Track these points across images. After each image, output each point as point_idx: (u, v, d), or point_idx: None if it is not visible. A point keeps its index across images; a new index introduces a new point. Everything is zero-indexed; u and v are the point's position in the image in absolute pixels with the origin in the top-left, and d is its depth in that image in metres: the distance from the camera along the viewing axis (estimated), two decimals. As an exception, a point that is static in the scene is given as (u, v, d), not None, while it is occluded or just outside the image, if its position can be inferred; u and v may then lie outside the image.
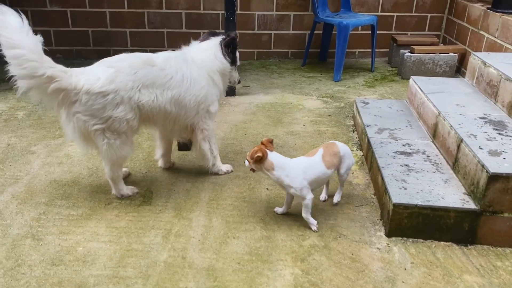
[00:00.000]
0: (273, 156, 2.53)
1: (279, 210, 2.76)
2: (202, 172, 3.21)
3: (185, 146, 3.49)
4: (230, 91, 4.73)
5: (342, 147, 2.74)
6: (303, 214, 2.60)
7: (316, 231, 2.58)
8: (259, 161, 2.48)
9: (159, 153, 3.24)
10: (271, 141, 2.59)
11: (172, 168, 3.27)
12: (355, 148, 3.62)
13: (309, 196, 2.55)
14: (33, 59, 2.34)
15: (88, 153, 3.41)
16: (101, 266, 2.27)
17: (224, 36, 3.09)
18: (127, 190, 2.88)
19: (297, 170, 2.53)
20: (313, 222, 2.61)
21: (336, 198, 2.87)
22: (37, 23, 5.72)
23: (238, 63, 3.18)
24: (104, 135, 2.59)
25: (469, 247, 2.49)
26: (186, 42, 3.14)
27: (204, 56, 2.99)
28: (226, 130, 3.92)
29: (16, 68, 2.34)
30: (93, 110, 2.51)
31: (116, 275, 2.22)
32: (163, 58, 2.83)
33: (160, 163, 3.27)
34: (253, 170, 2.58)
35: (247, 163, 2.55)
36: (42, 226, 2.58)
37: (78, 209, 2.75)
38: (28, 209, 2.74)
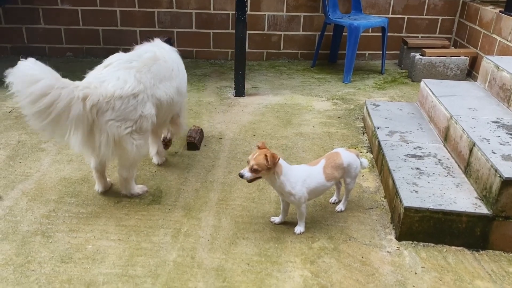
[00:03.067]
0: (280, 163, 2.47)
1: (276, 219, 2.67)
2: (211, 172, 3.21)
3: (194, 145, 3.48)
4: (240, 92, 4.73)
5: (347, 158, 2.65)
6: (299, 218, 2.60)
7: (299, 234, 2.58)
8: (275, 164, 2.38)
9: (153, 151, 3.27)
10: (264, 143, 2.51)
11: (181, 168, 3.26)
12: (365, 151, 3.60)
13: (304, 205, 2.55)
14: (63, 85, 2.32)
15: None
16: (110, 265, 2.27)
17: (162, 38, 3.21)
18: (138, 189, 2.88)
19: (297, 177, 2.48)
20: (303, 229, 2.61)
21: (340, 207, 2.80)
22: (48, 21, 5.76)
23: None
24: (132, 137, 2.60)
25: (481, 252, 2.46)
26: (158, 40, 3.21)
27: (168, 48, 3.09)
28: (235, 131, 3.91)
29: (47, 104, 2.25)
30: (126, 113, 2.52)
31: (125, 274, 2.21)
32: (159, 52, 2.91)
33: (155, 159, 3.29)
34: (252, 180, 2.43)
35: (247, 174, 2.37)
36: (52, 223, 2.58)
37: (88, 207, 2.75)
38: (38, 206, 2.75)
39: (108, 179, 2.95)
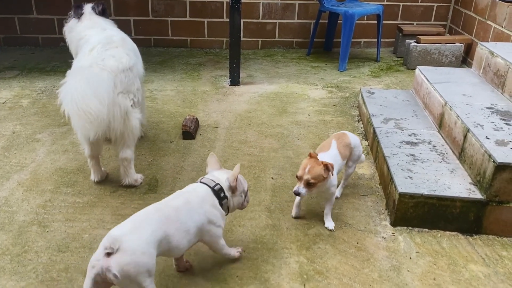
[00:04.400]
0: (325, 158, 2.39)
1: (295, 212, 2.62)
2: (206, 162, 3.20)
3: (189, 134, 3.48)
4: (235, 81, 4.72)
5: (353, 139, 2.69)
6: (328, 211, 2.55)
7: (333, 230, 2.51)
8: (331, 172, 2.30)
9: None
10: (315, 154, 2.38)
11: (176, 157, 3.26)
12: (360, 138, 3.61)
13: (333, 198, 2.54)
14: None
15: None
16: (107, 253, 2.28)
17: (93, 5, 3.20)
18: (138, 176, 2.91)
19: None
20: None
21: (337, 194, 2.78)
22: (41, 11, 5.71)
23: None
24: (134, 111, 2.69)
25: (475, 236, 2.49)
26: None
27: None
28: (231, 119, 3.91)
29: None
30: (129, 86, 2.65)
31: (122, 262, 2.22)
32: (115, 31, 3.01)
33: None
34: (297, 195, 2.30)
35: (303, 190, 2.25)
36: (48, 213, 2.59)
37: (84, 197, 2.76)
38: (34, 196, 2.75)
39: (103, 169, 2.95)
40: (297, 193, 2.26)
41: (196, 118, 3.69)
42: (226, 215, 2.12)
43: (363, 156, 2.83)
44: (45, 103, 4.13)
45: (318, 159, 2.29)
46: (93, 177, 2.90)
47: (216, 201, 2.04)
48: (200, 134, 3.61)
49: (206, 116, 3.96)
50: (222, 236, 2.12)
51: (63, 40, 5.71)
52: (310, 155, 2.33)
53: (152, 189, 2.86)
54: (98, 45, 2.67)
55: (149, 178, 2.98)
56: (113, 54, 2.64)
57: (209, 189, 2.05)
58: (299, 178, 2.27)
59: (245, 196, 2.22)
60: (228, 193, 2.10)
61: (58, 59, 5.34)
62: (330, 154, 2.50)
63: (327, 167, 2.25)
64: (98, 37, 2.79)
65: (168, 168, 3.11)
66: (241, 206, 2.25)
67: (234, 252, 2.24)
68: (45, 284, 2.07)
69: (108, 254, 1.63)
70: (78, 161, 3.16)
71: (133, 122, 2.69)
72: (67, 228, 2.47)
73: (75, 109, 2.33)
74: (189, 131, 3.47)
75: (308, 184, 2.24)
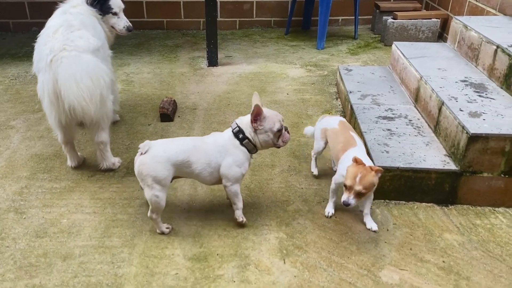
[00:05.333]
0: (365, 160, 2.21)
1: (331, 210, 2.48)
2: (185, 143, 3.19)
3: (167, 116, 3.45)
4: (213, 62, 4.67)
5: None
6: (368, 210, 2.40)
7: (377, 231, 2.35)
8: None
9: None
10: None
11: (155, 139, 3.21)
12: (338, 115, 3.63)
13: None
14: None
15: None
16: (86, 237, 2.27)
17: None
18: (115, 160, 2.88)
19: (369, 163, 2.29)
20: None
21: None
22: (10, -5, 5.53)
23: (116, 10, 3.12)
24: (107, 92, 2.64)
25: (450, 207, 2.55)
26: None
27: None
28: (209, 101, 3.89)
29: None
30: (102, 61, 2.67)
31: (102, 245, 2.22)
32: (76, 10, 2.88)
33: None
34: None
35: (353, 201, 2.11)
36: (25, 200, 2.55)
37: (61, 182, 2.72)
38: (10, 183, 2.70)
39: (79, 154, 2.91)
40: (347, 205, 2.09)
41: (174, 100, 3.65)
42: (254, 153, 2.30)
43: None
44: (18, 90, 4.04)
45: (365, 165, 2.10)
46: (70, 162, 2.86)
47: (237, 142, 2.24)
48: (179, 116, 3.59)
49: (184, 98, 3.93)
50: (240, 182, 2.31)
51: (34, 24, 5.57)
52: (356, 161, 2.12)
53: (131, 172, 2.83)
54: (61, 28, 2.59)
55: (127, 161, 2.95)
56: (80, 35, 2.59)
57: (231, 132, 2.25)
58: (349, 188, 2.09)
59: (277, 136, 2.25)
60: (249, 134, 2.23)
61: (30, 44, 5.17)
62: (362, 149, 2.35)
63: (378, 172, 2.08)
64: (58, 20, 2.71)
65: (146, 151, 3.08)
66: (275, 145, 2.30)
67: (241, 203, 2.35)
68: (23, 270, 2.06)
69: (141, 154, 2.16)
70: (54, 146, 3.11)
71: (107, 104, 2.66)
72: (45, 214, 2.44)
73: (74, 90, 2.37)
74: (167, 113, 3.44)
75: (359, 194, 2.08)
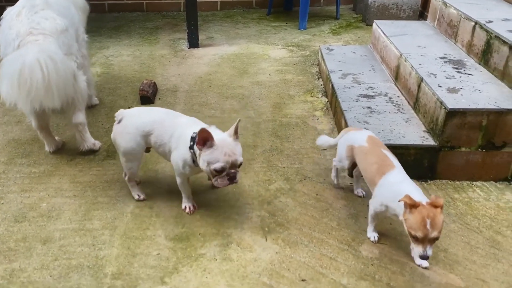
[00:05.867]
0: (414, 193, 1.85)
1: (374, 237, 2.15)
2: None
3: (147, 99, 3.41)
4: (194, 43, 4.61)
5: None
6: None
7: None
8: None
9: None
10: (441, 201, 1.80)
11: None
12: (320, 95, 3.63)
13: None
14: None
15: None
16: (66, 220, 2.25)
17: None
18: (95, 141, 2.87)
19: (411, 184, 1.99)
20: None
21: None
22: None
23: None
24: (79, 73, 2.66)
25: (429, 182, 2.58)
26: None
27: None
28: (191, 83, 3.85)
29: None
30: (69, 47, 2.61)
31: (82, 228, 2.20)
32: None
33: None
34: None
35: (430, 251, 1.80)
36: (3, 185, 2.51)
37: (40, 167, 2.69)
38: (-13, 169, 2.66)
39: (57, 138, 2.87)
40: (427, 257, 1.80)
41: (154, 82, 3.61)
42: (197, 166, 2.08)
43: None
44: (-6, 75, 3.94)
45: (424, 203, 1.77)
46: (48, 148, 2.82)
47: (188, 145, 2.08)
48: (159, 99, 3.55)
49: (165, 80, 3.88)
50: (183, 178, 2.25)
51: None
52: (413, 205, 1.76)
53: (111, 155, 2.81)
54: (23, 10, 2.51)
55: (107, 144, 2.92)
56: (45, 16, 2.51)
57: (193, 132, 2.07)
58: (422, 240, 1.76)
59: (214, 174, 1.99)
60: (196, 147, 2.02)
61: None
62: (401, 171, 2.06)
63: (442, 208, 1.77)
64: (20, 1, 2.63)
65: (127, 134, 3.05)
66: (210, 178, 2.09)
67: (186, 194, 2.30)
68: (2, 255, 2.04)
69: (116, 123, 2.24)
70: (32, 131, 3.04)
71: (81, 85, 2.63)
72: (23, 198, 2.41)
73: (39, 76, 2.26)
74: (147, 96, 3.40)
75: (435, 240, 1.77)
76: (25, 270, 1.96)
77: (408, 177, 2.01)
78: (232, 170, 2.01)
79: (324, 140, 2.53)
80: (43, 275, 1.93)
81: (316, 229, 2.22)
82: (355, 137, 2.28)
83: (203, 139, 1.96)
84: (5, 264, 1.99)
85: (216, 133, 2.04)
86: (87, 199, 2.41)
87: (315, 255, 2.05)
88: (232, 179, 2.02)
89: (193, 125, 2.16)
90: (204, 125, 2.13)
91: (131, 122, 2.23)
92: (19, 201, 2.39)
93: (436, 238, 1.75)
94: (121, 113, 2.26)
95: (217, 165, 1.96)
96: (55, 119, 3.21)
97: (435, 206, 1.75)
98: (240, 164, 2.04)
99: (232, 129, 2.04)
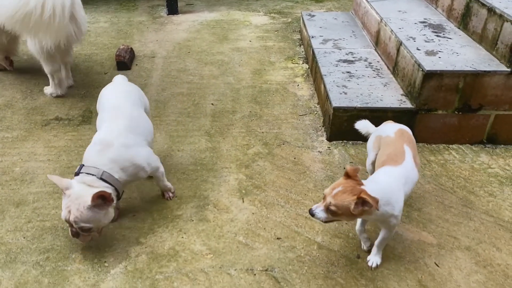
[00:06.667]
0: (373, 190, 1.59)
1: (365, 245, 1.89)
2: (144, 91, 3.09)
3: (124, 64, 3.34)
4: (173, 10, 4.50)
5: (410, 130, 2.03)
6: (381, 244, 1.82)
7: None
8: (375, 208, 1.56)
9: None
10: (358, 171, 1.65)
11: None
12: (301, 62, 3.60)
13: (392, 234, 1.81)
14: None
15: (21, 76, 3.25)
16: (40, 184, 2.22)
17: None
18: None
19: (399, 192, 1.72)
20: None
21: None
22: None
23: None
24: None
25: (406, 145, 2.60)
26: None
27: None
28: (169, 49, 3.77)
29: None
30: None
31: (57, 191, 2.17)
32: None
33: None
34: (329, 221, 1.67)
35: (321, 214, 1.61)
36: (-26, 150, 2.46)
37: (13, 131, 2.63)
38: (-42, 134, 2.59)
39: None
40: (312, 214, 1.62)
41: (131, 48, 3.53)
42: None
43: None
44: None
45: (358, 182, 1.61)
46: (59, 91, 2.96)
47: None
48: (136, 65, 3.48)
49: (142, 46, 3.80)
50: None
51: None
52: (348, 174, 1.63)
53: (86, 120, 2.76)
54: None
55: (82, 110, 2.86)
56: None
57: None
58: (323, 197, 1.63)
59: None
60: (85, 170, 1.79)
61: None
62: (407, 169, 1.78)
63: (363, 203, 1.54)
64: None
65: (103, 99, 2.99)
66: None
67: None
68: (-26, 218, 2.01)
69: None
70: (5, 96, 2.98)
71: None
72: (-4, 163, 2.37)
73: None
74: (124, 61, 3.32)
75: (329, 210, 1.59)
76: (-2, 232, 1.93)
77: (399, 180, 1.74)
78: (73, 228, 1.72)
79: (364, 125, 2.24)
80: (16, 236, 1.91)
81: (292, 191, 2.22)
82: (386, 128, 2.04)
83: (63, 185, 1.72)
84: (-24, 226, 1.96)
85: (87, 183, 1.74)
86: (62, 163, 2.37)
87: (291, 215, 2.06)
88: (74, 234, 1.75)
89: (111, 134, 1.89)
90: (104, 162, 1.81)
91: None
92: (-9, 166, 2.34)
93: (330, 208, 1.57)
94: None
95: (63, 214, 1.72)
96: (28, 85, 3.13)
97: (359, 194, 1.54)
98: (84, 229, 1.71)
99: (95, 192, 1.68)
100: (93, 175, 1.75)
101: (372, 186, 1.63)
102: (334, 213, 1.59)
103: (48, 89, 2.98)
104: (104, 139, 1.87)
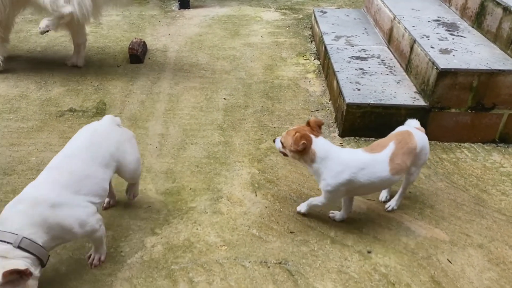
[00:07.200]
0: (318, 144, 1.83)
1: (336, 215, 2.03)
2: (156, 84, 3.13)
3: (136, 58, 3.36)
4: (184, 4, 4.52)
5: (420, 139, 1.92)
6: (311, 202, 2.00)
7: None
8: (303, 150, 1.82)
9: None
10: (320, 124, 1.89)
11: (124, 81, 3.15)
12: (312, 58, 3.61)
13: (323, 203, 1.93)
14: None
15: (36, 68, 3.28)
16: (56, 174, 2.24)
17: None
18: None
19: (343, 166, 1.82)
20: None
21: (392, 205, 2.09)
22: None
23: None
24: None
25: (418, 143, 2.60)
26: None
27: None
28: (181, 43, 3.79)
29: None
30: None
31: (72, 181, 2.20)
32: None
33: None
34: (284, 154, 1.95)
35: (278, 144, 1.94)
36: (-9, 139, 2.49)
37: (28, 122, 2.65)
38: (-26, 123, 2.62)
39: None
40: (274, 141, 1.98)
41: (144, 42, 3.54)
42: None
43: (428, 154, 2.00)
44: (-22, 31, 3.84)
45: (313, 132, 1.85)
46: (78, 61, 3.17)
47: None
48: (149, 58, 3.49)
49: (155, 40, 3.81)
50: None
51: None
52: (309, 123, 1.87)
53: (100, 112, 2.78)
54: None
55: (96, 102, 2.89)
56: None
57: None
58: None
59: None
60: None
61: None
62: (374, 158, 1.84)
63: (296, 139, 1.79)
64: None
65: (116, 92, 3.01)
66: None
67: None
68: (-8, 206, 2.03)
69: None
70: (20, 87, 3.01)
71: None
72: (12, 152, 2.39)
73: None
74: (137, 54, 3.34)
75: (281, 142, 1.91)
76: (15, 220, 1.96)
77: (356, 161, 1.84)
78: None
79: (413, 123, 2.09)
80: (33, 225, 1.94)
81: (305, 186, 2.24)
82: (400, 127, 2.04)
83: None
84: (-6, 214, 1.99)
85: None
86: (77, 154, 2.39)
87: (304, 210, 2.08)
88: None
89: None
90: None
91: None
92: (8, 155, 2.36)
93: (281, 139, 1.89)
94: None
95: None
96: (42, 76, 3.16)
97: (298, 136, 1.80)
98: None
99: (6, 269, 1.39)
100: (9, 243, 1.43)
101: (328, 146, 1.86)
102: (283, 146, 1.89)
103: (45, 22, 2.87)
104: (30, 196, 1.56)
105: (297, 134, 1.79)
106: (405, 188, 2.06)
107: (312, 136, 1.83)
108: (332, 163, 1.83)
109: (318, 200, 1.95)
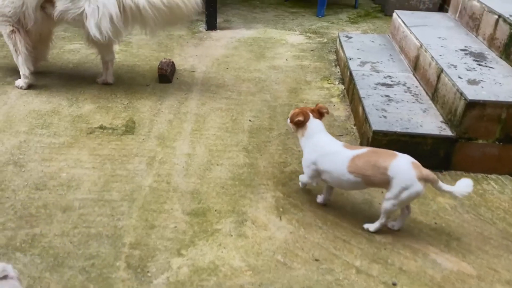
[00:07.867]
0: (312, 123, 2.22)
1: (318, 198, 2.32)
2: (184, 104, 3.19)
3: (165, 77, 3.43)
4: (212, 25, 4.62)
5: (398, 167, 1.97)
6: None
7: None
8: (298, 124, 2.22)
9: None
10: (322, 111, 2.27)
11: (153, 100, 3.22)
12: (337, 82, 3.64)
13: (305, 180, 2.27)
14: None
15: (67, 84, 3.38)
16: (85, 191, 2.30)
17: None
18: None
19: (316, 148, 2.17)
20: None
21: (397, 225, 2.15)
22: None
23: None
24: None
25: (444, 172, 2.59)
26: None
27: None
28: (208, 64, 3.86)
29: None
30: None
31: (101, 199, 2.25)
32: None
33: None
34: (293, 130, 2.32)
35: (288, 120, 2.31)
36: (24, 154, 2.56)
37: (60, 138, 2.73)
38: (8, 137, 2.70)
39: None
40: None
41: (172, 62, 3.63)
42: None
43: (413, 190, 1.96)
44: (14, 47, 3.98)
45: (312, 110, 2.24)
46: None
47: None
48: (177, 78, 3.57)
49: (183, 60, 3.90)
50: None
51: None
52: (315, 107, 2.28)
53: (130, 130, 2.85)
54: None
55: (125, 120, 2.95)
56: None
57: None
58: None
59: None
60: None
61: None
62: (340, 150, 2.13)
63: (299, 120, 2.18)
64: None
65: (145, 111, 3.08)
66: None
67: None
68: (24, 220, 2.09)
69: None
70: (52, 103, 3.10)
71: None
72: (44, 167, 2.46)
73: None
74: (166, 74, 3.42)
75: (291, 120, 2.27)
76: (46, 235, 2.01)
77: (334, 141, 2.21)
78: None
79: None
80: (63, 241, 1.99)
81: (330, 212, 2.24)
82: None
83: None
84: (26, 229, 2.04)
85: None
86: (106, 171, 2.45)
87: (328, 237, 2.08)
88: None
89: None
90: None
91: None
92: (39, 170, 2.43)
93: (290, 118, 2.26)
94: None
95: None
96: (74, 93, 3.25)
97: (301, 112, 2.21)
98: None
99: None
100: None
101: (318, 128, 2.21)
102: (290, 120, 2.25)
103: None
104: None
105: (298, 110, 2.22)
106: (403, 216, 2.15)
107: (310, 115, 2.21)
108: (312, 142, 2.19)
109: (302, 175, 2.30)
